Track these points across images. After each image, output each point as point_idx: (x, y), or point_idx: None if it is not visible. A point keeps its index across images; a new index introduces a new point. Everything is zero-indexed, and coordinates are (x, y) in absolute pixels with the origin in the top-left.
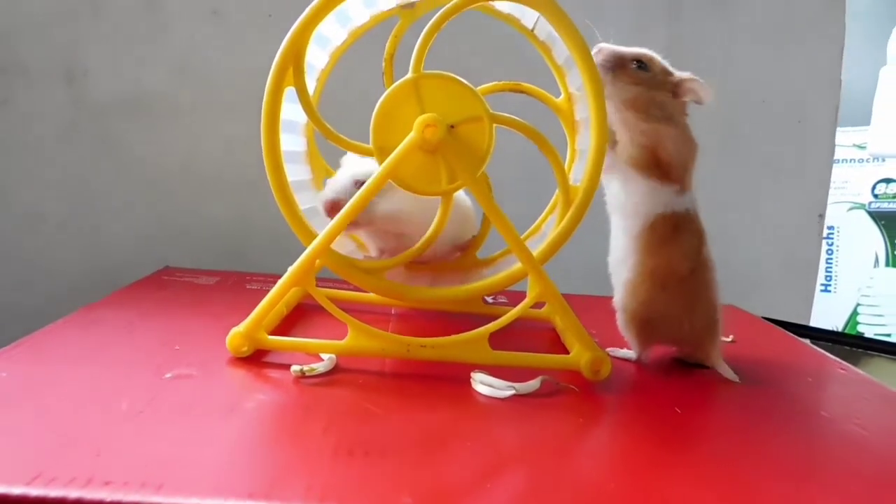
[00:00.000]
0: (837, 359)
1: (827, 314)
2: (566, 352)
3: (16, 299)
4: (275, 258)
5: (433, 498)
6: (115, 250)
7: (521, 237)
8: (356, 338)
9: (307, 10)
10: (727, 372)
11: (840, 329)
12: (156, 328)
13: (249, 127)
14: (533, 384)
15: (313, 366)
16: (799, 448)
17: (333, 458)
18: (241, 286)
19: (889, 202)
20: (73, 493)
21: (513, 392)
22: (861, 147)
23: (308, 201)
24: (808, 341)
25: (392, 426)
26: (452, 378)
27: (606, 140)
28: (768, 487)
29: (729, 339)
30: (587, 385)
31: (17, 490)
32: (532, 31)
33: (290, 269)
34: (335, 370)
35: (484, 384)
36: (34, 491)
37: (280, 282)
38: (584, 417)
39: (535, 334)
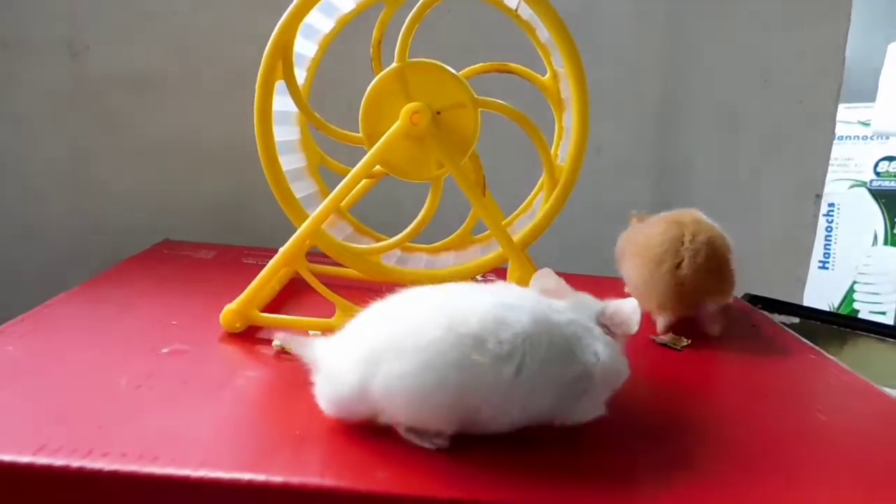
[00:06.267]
0: (811, 343)
1: (824, 291)
2: None
3: (16, 270)
4: (274, 230)
5: (407, 473)
6: (116, 222)
7: (512, 216)
8: (343, 317)
9: (292, 5)
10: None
11: (836, 306)
12: (153, 304)
13: (250, 101)
14: None
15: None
16: (753, 433)
17: (315, 433)
18: (237, 261)
19: (891, 180)
20: (74, 463)
21: None
22: (865, 124)
23: (303, 189)
24: (784, 325)
25: None
26: None
27: (588, 119)
28: (719, 473)
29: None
30: None
31: (24, 459)
32: (515, 11)
33: (281, 250)
34: None
35: None
36: (40, 460)
37: (271, 262)
38: None
39: None
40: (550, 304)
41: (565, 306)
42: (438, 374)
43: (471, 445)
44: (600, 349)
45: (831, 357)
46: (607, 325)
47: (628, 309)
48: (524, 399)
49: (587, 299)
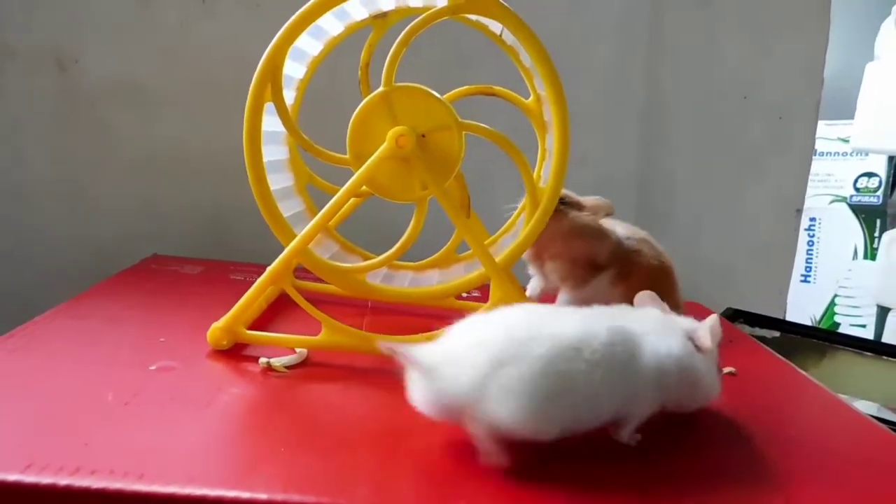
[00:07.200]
0: (787, 360)
1: (806, 304)
2: None
3: (5, 285)
4: (262, 245)
5: (389, 490)
6: (106, 237)
7: (496, 234)
8: (329, 334)
9: (282, 30)
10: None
11: (818, 319)
12: (141, 320)
13: (239, 114)
14: None
15: (281, 358)
16: (722, 447)
17: (298, 450)
18: (225, 276)
19: (870, 196)
20: (62, 481)
21: None
22: (845, 141)
23: (291, 208)
24: (761, 340)
25: (356, 420)
26: None
27: (569, 142)
28: (686, 487)
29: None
30: None
31: (12, 477)
32: (500, 36)
33: (269, 269)
34: (308, 364)
35: None
36: (28, 478)
37: (258, 281)
38: None
39: None
40: (631, 315)
41: (651, 317)
42: (550, 380)
43: (459, 464)
44: (659, 345)
45: (803, 372)
46: (693, 342)
47: (705, 323)
48: (610, 398)
49: (681, 318)
